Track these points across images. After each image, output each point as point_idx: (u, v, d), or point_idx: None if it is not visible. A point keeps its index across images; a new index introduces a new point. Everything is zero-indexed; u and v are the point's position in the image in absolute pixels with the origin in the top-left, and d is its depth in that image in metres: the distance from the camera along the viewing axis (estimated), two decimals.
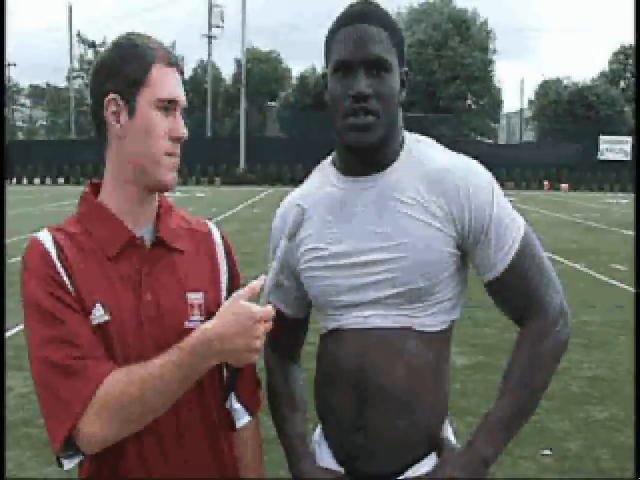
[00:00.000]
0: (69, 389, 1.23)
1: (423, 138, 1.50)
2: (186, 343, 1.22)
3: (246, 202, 24.37)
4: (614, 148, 42.43)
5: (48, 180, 40.45)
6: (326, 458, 1.51)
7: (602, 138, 42.53)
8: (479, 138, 49.79)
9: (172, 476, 1.35)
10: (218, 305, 1.35)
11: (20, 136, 60.19)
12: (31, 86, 63.34)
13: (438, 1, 49.60)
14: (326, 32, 1.45)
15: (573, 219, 19.40)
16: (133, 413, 1.23)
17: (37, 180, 40.28)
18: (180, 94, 1.36)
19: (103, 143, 1.37)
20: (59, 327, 1.25)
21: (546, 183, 39.78)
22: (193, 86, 48.41)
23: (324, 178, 1.52)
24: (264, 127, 49.91)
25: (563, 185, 39.54)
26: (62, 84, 57.68)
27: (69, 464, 1.28)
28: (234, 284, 1.46)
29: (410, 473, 1.42)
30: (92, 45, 55.43)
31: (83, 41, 55.85)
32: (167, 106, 1.33)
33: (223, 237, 1.51)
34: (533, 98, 53.57)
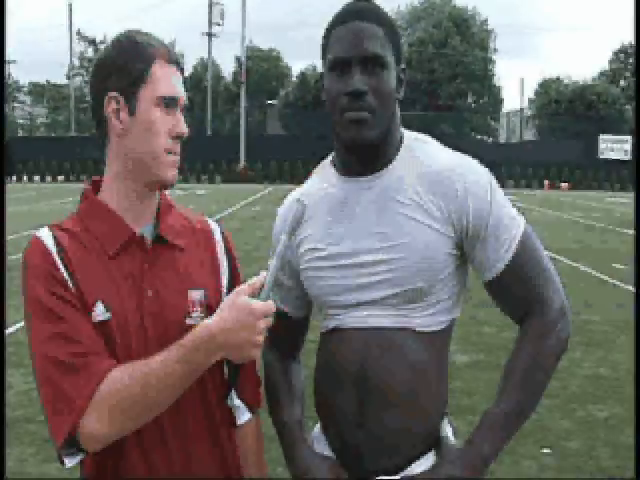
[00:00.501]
0: (71, 386, 1.22)
1: (422, 136, 1.50)
2: (188, 339, 1.22)
3: (246, 200, 24.37)
4: (614, 147, 42.40)
5: (48, 177, 40.45)
6: (325, 454, 1.50)
7: (602, 137, 42.51)
8: (479, 137, 49.79)
9: (174, 473, 1.35)
10: (219, 302, 1.35)
11: (20, 133, 60.20)
12: (31, 83, 63.33)
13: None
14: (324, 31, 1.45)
15: (573, 218, 19.41)
16: (135, 410, 1.23)
17: (37, 177, 40.28)
18: (181, 91, 1.36)
19: (104, 140, 1.37)
20: (60, 324, 1.25)
21: (546, 182, 39.78)
22: (193, 84, 48.41)
23: (324, 178, 1.52)
24: (264, 125, 49.90)
25: (563, 184, 39.55)
26: (62, 81, 57.71)
27: (70, 462, 1.28)
28: (234, 281, 1.46)
29: (409, 471, 1.42)
30: (92, 42, 55.39)
31: (83, 38, 55.84)
32: (168, 103, 1.33)
33: (223, 234, 1.51)
34: (533, 97, 53.57)
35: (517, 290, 1.43)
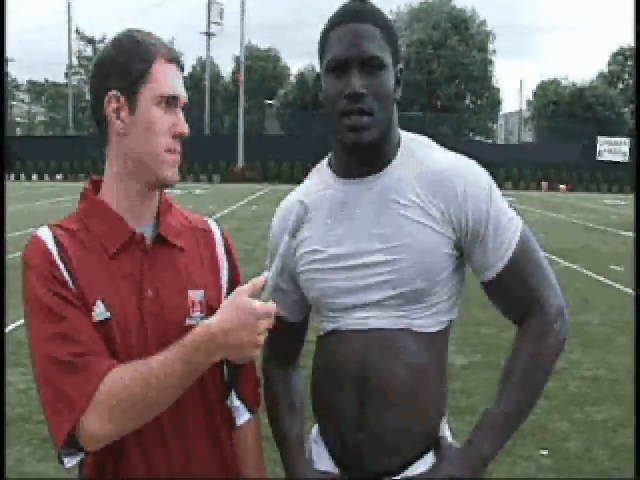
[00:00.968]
0: (71, 385, 1.22)
1: (420, 137, 1.50)
2: (188, 339, 1.22)
3: (245, 200, 24.37)
4: (612, 149, 42.44)
5: (46, 176, 40.40)
6: (323, 456, 1.51)
7: (600, 139, 42.55)
8: (478, 138, 49.80)
9: (174, 473, 1.35)
10: (219, 301, 1.35)
11: (19, 132, 60.13)
12: (30, 82, 63.23)
13: (437, 0, 49.59)
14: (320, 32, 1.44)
15: (571, 220, 19.42)
16: (135, 409, 1.23)
17: (35, 176, 40.22)
18: (181, 91, 1.36)
19: (104, 140, 1.37)
20: (60, 324, 1.25)
21: (544, 184, 39.79)
22: (192, 84, 48.36)
23: (321, 180, 1.51)
24: (263, 125, 49.88)
25: (562, 186, 39.57)
26: (61, 80, 57.64)
27: (70, 462, 1.28)
28: (234, 281, 1.46)
29: (408, 472, 1.42)
30: (91, 41, 55.32)
31: (82, 37, 55.77)
32: (168, 103, 1.33)
33: (223, 234, 1.51)
34: (532, 98, 53.61)
35: (515, 291, 1.43)
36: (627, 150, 41.61)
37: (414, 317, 1.41)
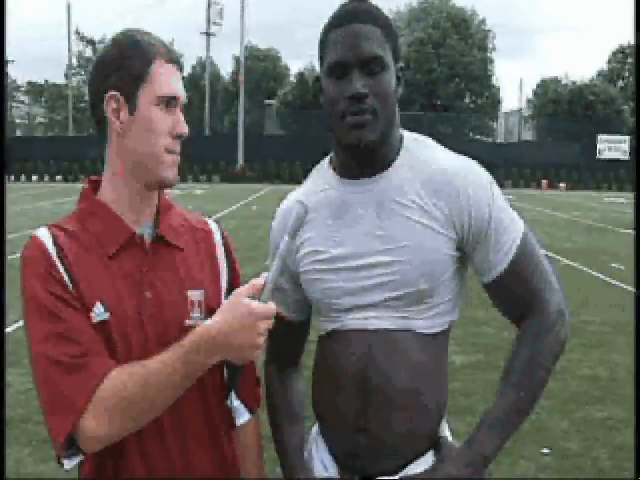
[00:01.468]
0: (71, 387, 1.22)
1: (422, 137, 1.50)
2: (188, 340, 1.22)
3: (245, 200, 24.36)
4: (612, 147, 42.43)
5: (46, 177, 40.39)
6: (323, 455, 1.51)
7: (600, 137, 42.54)
8: (478, 137, 49.79)
9: (174, 473, 1.34)
10: (218, 302, 1.35)
11: (18, 133, 60.14)
12: (29, 83, 63.25)
13: (437, 0, 49.59)
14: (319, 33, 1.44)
15: (572, 218, 19.42)
16: (135, 410, 1.23)
17: (35, 177, 40.21)
18: (181, 91, 1.36)
19: (103, 140, 1.36)
20: (59, 324, 1.24)
21: (544, 182, 39.79)
22: (192, 84, 48.39)
23: (322, 180, 1.51)
24: (263, 125, 49.87)
25: (562, 184, 39.56)
26: (60, 81, 57.66)
27: (69, 463, 1.27)
28: (234, 281, 1.46)
29: (408, 470, 1.42)
30: (91, 42, 55.39)
31: (82, 38, 55.80)
32: (168, 103, 1.33)
33: (223, 234, 1.51)
34: (532, 97, 53.60)
35: (516, 292, 1.43)
36: (627, 148, 41.59)
37: (416, 318, 1.41)
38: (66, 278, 1.27)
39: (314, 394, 1.52)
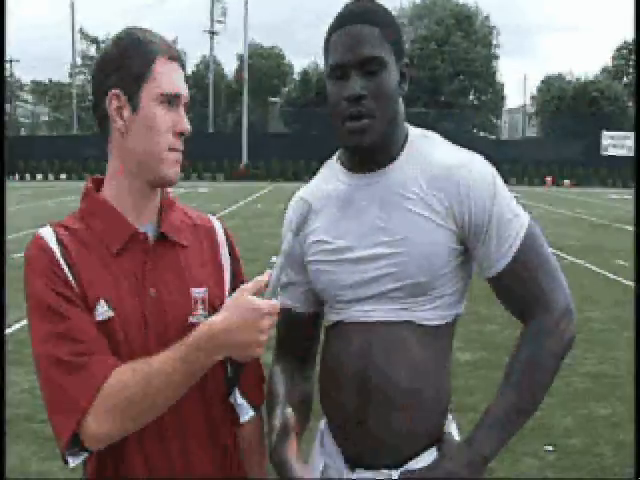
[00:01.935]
0: (74, 385, 1.22)
1: (429, 133, 1.50)
2: (191, 338, 1.22)
3: (248, 198, 24.37)
4: (617, 144, 42.29)
5: (51, 176, 40.45)
6: (329, 447, 1.51)
7: (605, 134, 42.40)
8: (481, 134, 49.71)
9: (174, 472, 1.35)
10: (221, 300, 1.35)
11: (23, 132, 60.23)
12: (34, 82, 63.27)
13: None
14: (326, 29, 1.45)
15: (576, 215, 19.37)
16: (138, 409, 1.23)
17: (39, 176, 40.28)
18: (183, 88, 1.36)
19: (106, 138, 1.37)
20: (62, 323, 1.24)
21: (549, 179, 39.68)
22: (195, 82, 48.37)
23: (332, 174, 1.53)
24: (266, 123, 49.85)
25: (566, 181, 39.46)
26: (65, 80, 57.70)
27: (74, 461, 1.28)
28: (237, 279, 1.46)
29: (409, 466, 1.42)
30: (94, 41, 55.37)
31: (85, 37, 55.81)
32: (170, 101, 1.33)
33: (226, 232, 1.51)
34: (536, 94, 53.47)
35: (519, 288, 1.42)
36: (632, 145, 41.44)
37: (417, 310, 1.41)
38: (69, 276, 1.28)
39: (320, 388, 1.52)
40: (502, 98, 52.30)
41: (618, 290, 8.72)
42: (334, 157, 1.57)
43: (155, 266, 1.35)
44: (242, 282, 1.31)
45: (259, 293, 1.22)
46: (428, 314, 1.42)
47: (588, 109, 46.32)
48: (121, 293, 1.31)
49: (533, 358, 1.39)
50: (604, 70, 51.75)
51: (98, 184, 1.40)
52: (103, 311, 1.28)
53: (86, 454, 1.28)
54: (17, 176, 39.09)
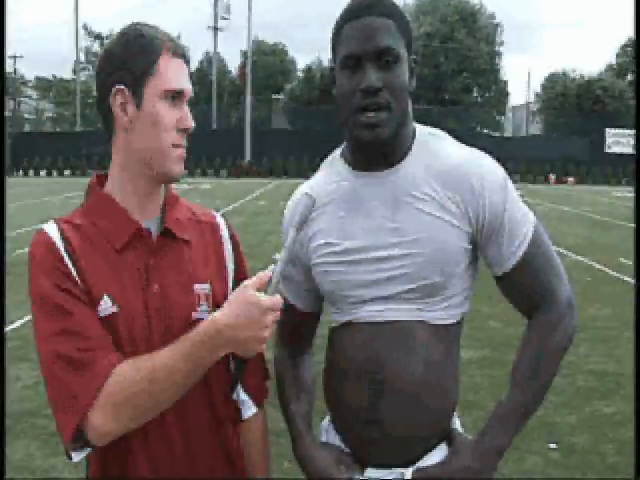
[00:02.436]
0: (78, 381, 1.22)
1: (435, 131, 1.49)
2: (195, 334, 1.22)
3: (252, 194, 24.37)
4: (621, 141, 42.23)
5: (54, 172, 40.50)
6: (334, 443, 1.51)
7: (609, 131, 42.35)
8: (485, 131, 49.62)
9: (178, 468, 1.35)
10: (225, 296, 1.34)
11: (27, 128, 60.29)
12: (37, 78, 63.32)
13: None
14: (332, 26, 1.43)
15: (580, 212, 19.34)
16: (141, 404, 1.23)
17: (43, 172, 40.33)
18: (187, 85, 1.35)
19: (110, 134, 1.36)
20: (67, 319, 1.25)
21: (552, 176, 39.60)
22: (199, 78, 48.36)
23: (335, 172, 1.50)
24: (270, 120, 49.82)
25: (570, 178, 39.39)
26: (68, 76, 57.72)
27: (78, 456, 1.28)
28: (240, 275, 1.46)
29: (421, 463, 1.42)
30: (98, 37, 55.42)
31: (89, 33, 55.86)
32: (174, 97, 1.33)
33: (229, 228, 1.51)
34: (539, 91, 53.35)
35: (527, 284, 1.44)
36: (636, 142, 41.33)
37: (429, 310, 1.42)
38: (73, 272, 1.28)
39: (326, 386, 1.52)
40: (506, 95, 52.20)
41: (621, 288, 8.70)
42: (335, 154, 1.54)
43: (159, 262, 1.35)
44: (245, 278, 1.31)
45: (262, 289, 1.22)
46: (439, 314, 1.42)
47: (592, 106, 46.22)
48: (125, 289, 1.31)
49: (542, 352, 1.42)
50: (608, 67, 51.62)
51: (102, 180, 1.40)
52: (107, 307, 1.28)
53: (90, 449, 1.28)
54: (21, 172, 39.13)
